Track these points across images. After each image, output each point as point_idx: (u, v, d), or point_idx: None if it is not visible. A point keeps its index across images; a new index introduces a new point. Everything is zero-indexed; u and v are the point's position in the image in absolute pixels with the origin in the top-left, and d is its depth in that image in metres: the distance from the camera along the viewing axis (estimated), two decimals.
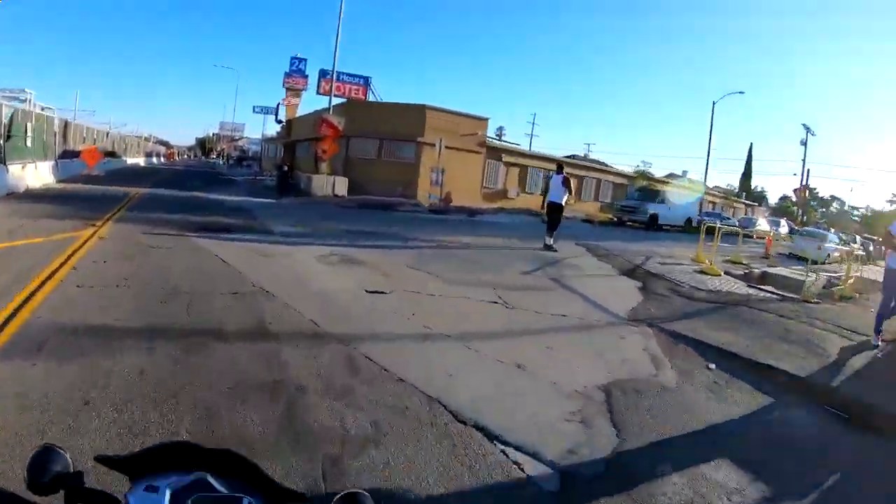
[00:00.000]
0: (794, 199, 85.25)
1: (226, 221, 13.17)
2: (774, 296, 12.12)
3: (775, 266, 19.69)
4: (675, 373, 5.91)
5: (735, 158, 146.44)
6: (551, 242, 14.16)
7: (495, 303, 7.79)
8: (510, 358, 5.53)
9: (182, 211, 14.36)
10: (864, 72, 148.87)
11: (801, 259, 25.67)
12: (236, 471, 1.03)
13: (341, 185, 25.49)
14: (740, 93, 39.64)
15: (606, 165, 44.46)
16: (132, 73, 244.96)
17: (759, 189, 77.22)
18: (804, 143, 60.27)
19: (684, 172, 64.58)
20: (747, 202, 63.92)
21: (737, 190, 66.79)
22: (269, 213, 16.21)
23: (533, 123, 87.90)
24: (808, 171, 64.92)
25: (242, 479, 1.02)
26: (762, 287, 13.22)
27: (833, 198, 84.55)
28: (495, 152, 33.66)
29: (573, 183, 14.59)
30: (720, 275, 14.34)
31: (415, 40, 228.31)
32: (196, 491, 0.96)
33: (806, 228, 35.67)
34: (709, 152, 40.08)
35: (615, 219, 30.21)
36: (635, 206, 29.96)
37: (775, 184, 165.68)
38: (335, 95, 30.82)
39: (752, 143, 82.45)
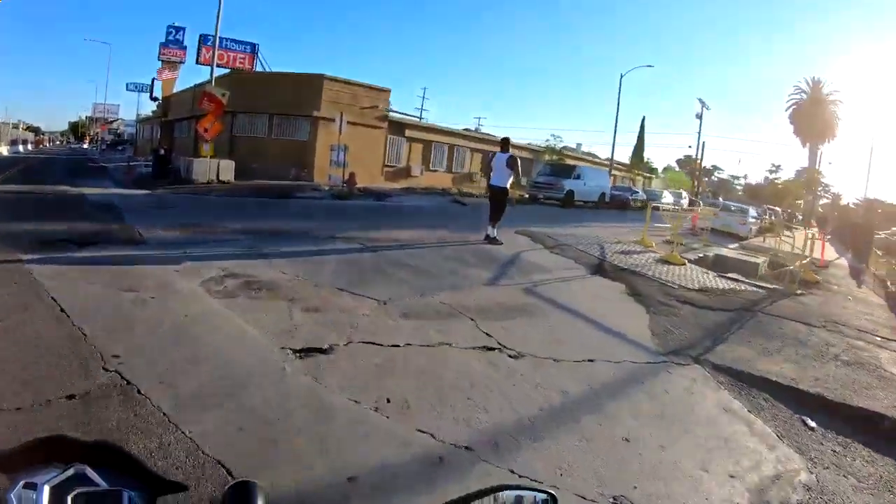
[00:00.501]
0: (677, 169, 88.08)
1: (83, 228, 9.47)
2: (759, 289, 10.87)
3: (711, 246, 18.71)
4: (791, 449, 4.23)
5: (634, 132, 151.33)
6: (495, 234, 11.86)
7: (490, 349, 5.32)
8: (591, 481, 3.27)
9: (27, 215, 10.65)
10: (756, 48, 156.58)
11: (728, 235, 25.39)
12: (114, 462, 0.99)
13: (227, 170, 21.70)
14: (649, 66, 39.11)
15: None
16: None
17: (648, 161, 78.74)
18: (699, 117, 61.69)
19: (578, 146, 64.40)
20: (645, 174, 64.72)
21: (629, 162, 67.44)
22: (141, 210, 12.59)
23: (423, 98, 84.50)
24: (704, 143, 66.70)
25: (121, 470, 0.99)
26: (736, 278, 11.99)
27: (714, 167, 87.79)
28: (398, 127, 30.92)
29: (519, 163, 12.34)
30: (685, 264, 12.98)
31: (306, 5, 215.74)
32: (75, 485, 0.92)
33: (727, 202, 35.52)
34: (616, 126, 39.31)
35: (527, 196, 28.38)
36: (551, 183, 28.41)
37: (670, 156, 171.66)
38: (218, 65, 26.93)
39: (644, 117, 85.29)
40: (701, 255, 15.69)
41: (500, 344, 5.46)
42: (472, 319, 6.15)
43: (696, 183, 72.57)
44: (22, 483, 0.91)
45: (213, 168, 21.16)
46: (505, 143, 12.51)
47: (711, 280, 11.32)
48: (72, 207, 12.36)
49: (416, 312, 6.24)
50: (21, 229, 8.77)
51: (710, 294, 9.73)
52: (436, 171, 33.11)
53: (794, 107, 68.07)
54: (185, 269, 7.06)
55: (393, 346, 5.11)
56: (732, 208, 30.28)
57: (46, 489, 0.90)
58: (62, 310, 5.01)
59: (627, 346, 6.07)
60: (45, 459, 0.98)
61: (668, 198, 41.34)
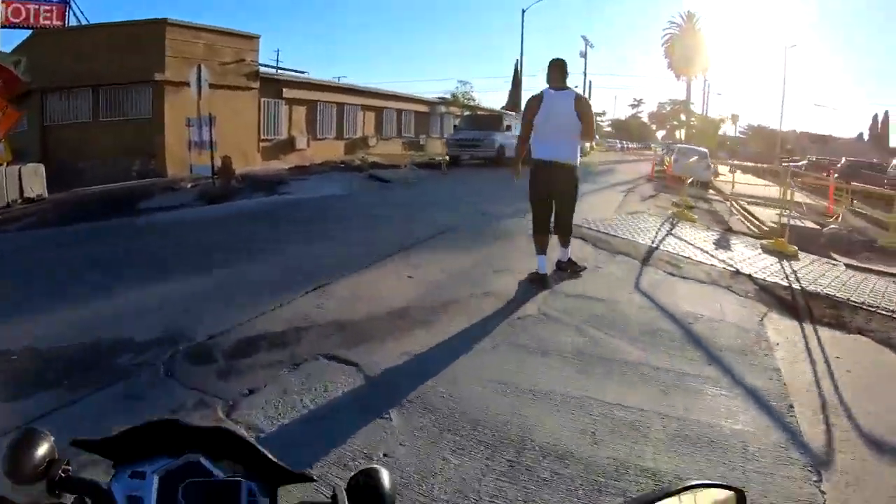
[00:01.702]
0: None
1: None
2: None
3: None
4: None
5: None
6: (569, 255, 6.70)
7: None
8: None
9: None
10: None
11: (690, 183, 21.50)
12: (232, 450, 0.91)
13: (35, 180, 13.91)
14: None
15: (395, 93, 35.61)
16: None
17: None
18: (584, 56, 59.19)
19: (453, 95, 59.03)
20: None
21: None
22: None
23: (277, 56, 73.43)
24: (591, 82, 64.23)
25: (239, 459, 0.91)
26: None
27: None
28: (273, 86, 23.56)
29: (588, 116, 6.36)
30: (796, 253, 9.06)
31: None
32: (188, 475, 0.86)
33: (681, 145, 31.20)
34: (521, 68, 34.35)
35: (447, 158, 22.04)
36: (478, 139, 22.83)
37: None
38: (11, 25, 19.30)
39: (517, 60, 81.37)
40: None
41: None
42: None
43: None
44: (129, 472, 0.87)
45: (10, 181, 13.34)
46: (560, 70, 6.10)
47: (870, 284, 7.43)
48: None
49: None
50: None
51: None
52: (324, 138, 26.40)
53: (668, 40, 68.40)
54: None
55: None
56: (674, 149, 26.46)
57: (156, 479, 0.86)
58: None
59: None
60: (156, 446, 0.89)
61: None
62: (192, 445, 0.90)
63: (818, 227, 13.54)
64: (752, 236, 11.42)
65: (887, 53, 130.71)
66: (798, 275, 7.71)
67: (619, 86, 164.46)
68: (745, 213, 15.33)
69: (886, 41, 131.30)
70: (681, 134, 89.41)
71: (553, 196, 6.12)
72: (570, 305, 5.45)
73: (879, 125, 75.25)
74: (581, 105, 5.91)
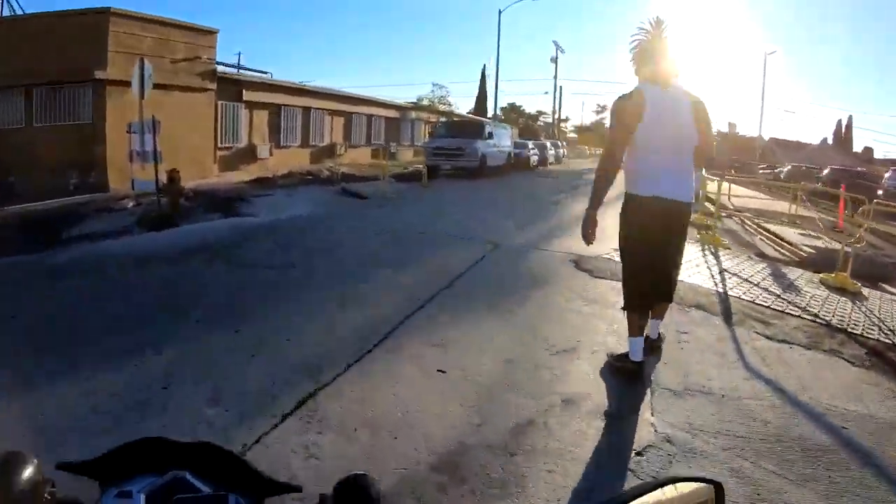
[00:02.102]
0: (502, 117, 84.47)
1: None
2: None
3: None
4: None
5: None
6: (659, 331, 4.78)
7: None
8: None
9: None
10: None
11: None
12: (218, 465, 0.90)
13: None
14: None
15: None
16: None
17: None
18: (555, 61, 58.56)
19: (418, 99, 57.38)
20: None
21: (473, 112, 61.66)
22: None
23: (239, 59, 69.36)
24: (561, 88, 63.45)
25: (225, 473, 0.89)
26: None
27: (540, 112, 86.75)
28: (232, 88, 21.12)
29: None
30: (860, 289, 7.86)
31: None
32: (175, 492, 0.84)
33: None
34: (497, 71, 32.66)
35: (425, 167, 19.88)
36: (459, 147, 20.99)
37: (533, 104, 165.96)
38: None
39: (485, 64, 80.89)
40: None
41: None
42: None
43: (554, 130, 69.55)
44: (116, 492, 0.85)
45: None
46: (671, 52, 4.45)
47: None
48: None
49: None
50: None
51: None
52: (288, 146, 24.12)
53: (636, 47, 68.21)
54: None
55: None
56: None
57: (142, 497, 0.83)
58: None
59: None
60: (142, 465, 0.88)
61: (550, 149, 37.43)
62: (177, 462, 0.89)
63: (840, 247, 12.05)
64: (793, 264, 9.86)
65: (847, 59, 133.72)
66: (887, 323, 6.37)
67: (589, 92, 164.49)
68: (765, 233, 13.74)
69: (847, 48, 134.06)
70: None
71: (667, 251, 4.15)
72: (691, 413, 3.59)
73: (843, 130, 76.04)
74: (701, 113, 4.04)
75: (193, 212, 11.34)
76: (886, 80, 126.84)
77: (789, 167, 35.53)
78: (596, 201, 4.08)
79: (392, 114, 33.80)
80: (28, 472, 0.81)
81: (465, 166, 20.98)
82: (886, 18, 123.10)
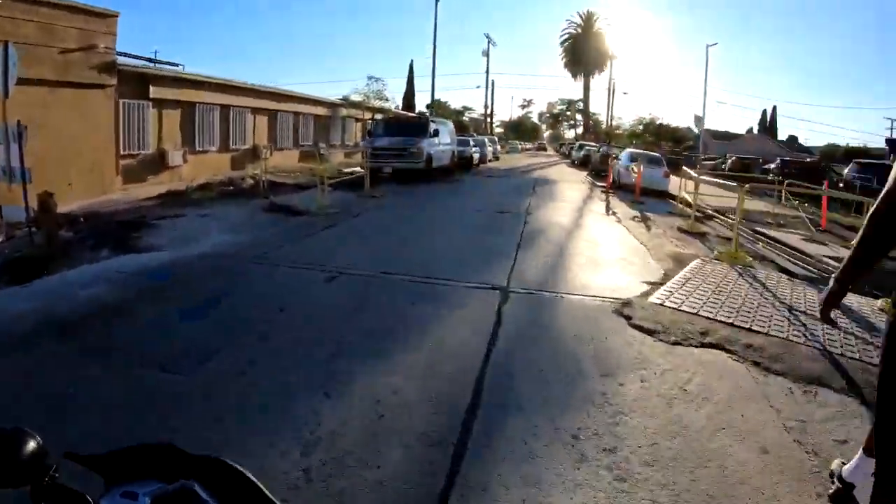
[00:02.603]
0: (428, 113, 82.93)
1: None
2: None
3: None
4: None
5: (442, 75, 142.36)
6: None
7: None
8: None
9: None
10: None
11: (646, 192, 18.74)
12: (227, 481, 0.87)
13: None
14: None
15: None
16: None
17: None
18: (486, 55, 57.59)
19: (345, 97, 54.80)
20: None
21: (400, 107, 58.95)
22: None
23: (155, 57, 61.67)
24: (493, 81, 62.09)
25: (237, 493, 0.87)
26: None
27: (465, 108, 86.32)
28: (137, 82, 17.72)
29: None
30: None
31: None
32: (181, 502, 0.84)
33: (632, 150, 28.07)
34: (434, 63, 31.12)
35: (367, 172, 17.06)
36: (405, 147, 18.81)
37: (461, 99, 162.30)
38: None
39: (412, 60, 78.73)
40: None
41: None
42: None
43: (484, 125, 68.24)
44: (121, 491, 0.86)
45: None
46: None
47: None
48: None
49: None
50: None
51: None
52: (206, 151, 21.12)
53: (567, 40, 67.76)
54: None
55: None
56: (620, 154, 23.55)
57: (148, 501, 0.83)
58: None
59: None
60: (149, 469, 0.89)
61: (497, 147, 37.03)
62: (186, 472, 0.88)
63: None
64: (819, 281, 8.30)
65: (774, 51, 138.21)
66: None
67: (520, 86, 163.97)
68: (766, 241, 12.21)
69: (772, 39, 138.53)
70: (575, 133, 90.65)
71: None
72: None
73: (768, 120, 77.89)
74: None
75: (78, 247, 8.55)
76: (807, 71, 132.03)
77: (734, 158, 34.88)
78: (851, 273, 2.39)
79: (322, 111, 30.92)
80: (30, 451, 0.82)
81: (410, 168, 18.84)
82: (808, 14, 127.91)
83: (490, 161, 34.88)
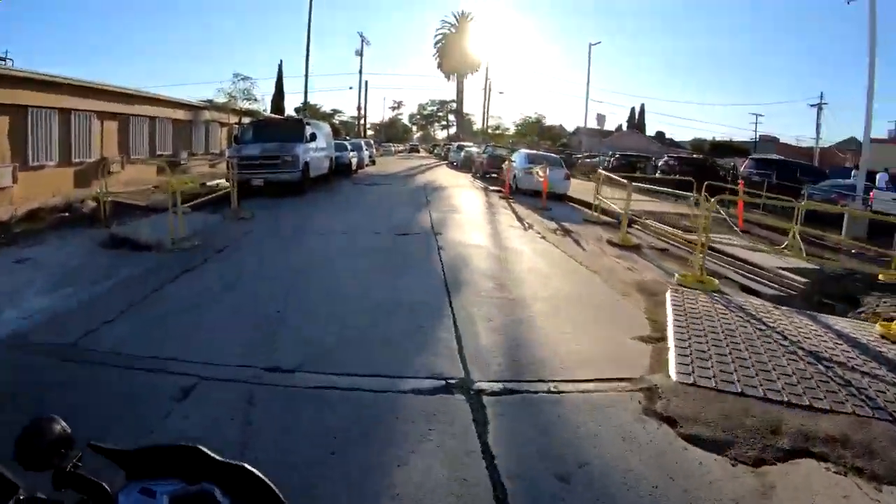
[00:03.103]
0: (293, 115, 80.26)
1: None
2: None
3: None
4: None
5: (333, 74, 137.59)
6: None
7: None
8: None
9: None
10: None
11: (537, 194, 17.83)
12: (248, 489, 0.90)
13: None
14: None
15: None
16: None
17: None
18: (360, 54, 56.12)
19: (209, 100, 51.05)
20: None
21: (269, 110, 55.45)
22: None
23: (5, 57, 52.44)
24: (367, 83, 60.46)
25: (254, 498, 0.89)
26: None
27: (334, 111, 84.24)
28: None
29: None
30: None
31: None
32: (199, 503, 0.87)
33: (527, 150, 26.59)
34: (307, 62, 29.72)
35: (232, 182, 14.01)
36: (278, 155, 16.34)
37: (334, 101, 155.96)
38: None
39: (281, 61, 74.60)
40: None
41: None
42: None
43: (358, 128, 66.32)
44: (140, 487, 0.88)
45: None
46: None
47: None
48: None
49: None
50: None
51: None
52: (42, 166, 17.32)
53: (441, 41, 68.34)
54: None
55: None
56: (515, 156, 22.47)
57: (166, 499, 0.86)
58: None
59: None
60: (171, 468, 0.90)
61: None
62: (209, 476, 0.89)
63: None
64: (797, 299, 7.86)
65: (640, 50, 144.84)
66: None
67: (392, 86, 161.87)
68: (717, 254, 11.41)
69: (636, 39, 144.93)
70: (447, 134, 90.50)
71: None
72: None
73: (637, 117, 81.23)
74: None
75: None
76: (672, 69, 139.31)
77: (617, 155, 34.97)
78: None
79: (183, 115, 27.21)
80: (57, 438, 0.88)
81: (284, 179, 16.27)
82: (670, 17, 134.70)
83: (367, 166, 32.82)
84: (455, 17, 66.80)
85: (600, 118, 39.49)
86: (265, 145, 16.78)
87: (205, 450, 0.91)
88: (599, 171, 17.15)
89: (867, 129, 15.06)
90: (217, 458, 0.91)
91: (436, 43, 67.93)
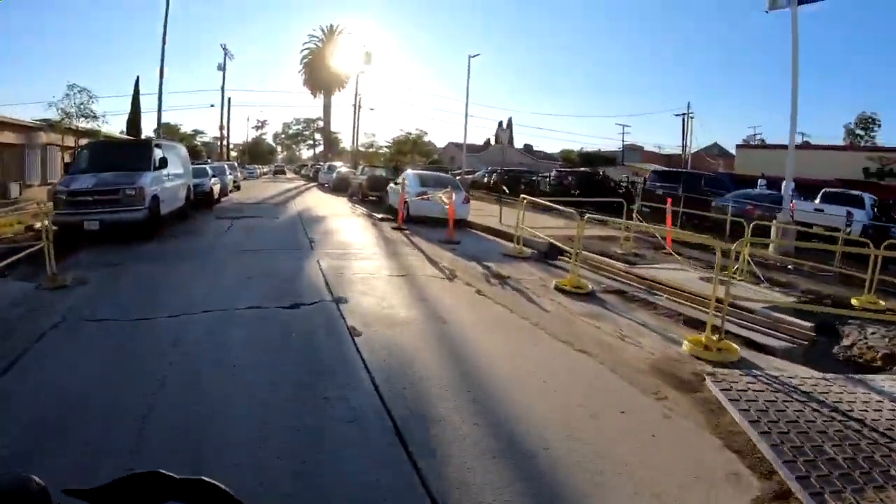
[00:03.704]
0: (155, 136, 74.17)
1: None
2: None
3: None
4: None
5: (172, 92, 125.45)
6: None
7: None
8: None
9: None
10: None
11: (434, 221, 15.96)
12: (208, 498, 0.89)
13: None
14: None
15: None
16: None
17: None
18: (223, 69, 52.64)
19: (44, 120, 44.76)
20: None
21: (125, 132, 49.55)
22: None
23: None
24: (230, 99, 56.81)
25: None
26: None
27: (196, 131, 77.85)
28: None
29: None
30: None
31: None
32: None
33: (419, 171, 23.23)
34: (161, 77, 26.85)
35: (51, 225, 10.02)
36: (118, 188, 12.42)
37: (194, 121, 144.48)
38: None
39: (138, 76, 67.03)
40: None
41: None
42: None
43: (221, 149, 61.76)
44: None
45: None
46: None
47: None
48: None
49: None
50: None
51: None
52: None
53: (308, 56, 64.53)
54: None
55: None
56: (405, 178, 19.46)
57: None
58: None
59: None
60: (141, 497, 0.89)
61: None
62: (174, 496, 0.90)
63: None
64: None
65: (507, 63, 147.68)
66: None
67: (256, 103, 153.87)
68: (626, 277, 9.59)
69: (505, 53, 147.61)
70: (314, 153, 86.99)
71: None
72: None
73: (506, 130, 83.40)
74: None
75: None
76: (538, 83, 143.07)
77: (499, 171, 33.62)
78: None
79: (13, 138, 22.51)
80: (34, 497, 0.82)
81: (126, 220, 12.43)
82: (537, 33, 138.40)
83: (232, 191, 28.95)
84: (323, 31, 63.53)
85: (502, 130, 38.36)
86: (100, 175, 12.90)
87: (163, 472, 0.89)
88: (522, 196, 14.22)
89: (792, 136, 14.27)
90: (175, 476, 0.89)
91: (302, 59, 64.19)
